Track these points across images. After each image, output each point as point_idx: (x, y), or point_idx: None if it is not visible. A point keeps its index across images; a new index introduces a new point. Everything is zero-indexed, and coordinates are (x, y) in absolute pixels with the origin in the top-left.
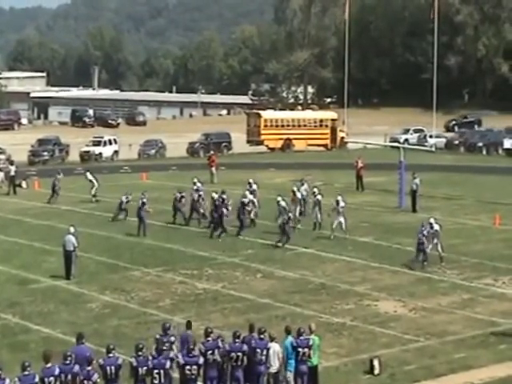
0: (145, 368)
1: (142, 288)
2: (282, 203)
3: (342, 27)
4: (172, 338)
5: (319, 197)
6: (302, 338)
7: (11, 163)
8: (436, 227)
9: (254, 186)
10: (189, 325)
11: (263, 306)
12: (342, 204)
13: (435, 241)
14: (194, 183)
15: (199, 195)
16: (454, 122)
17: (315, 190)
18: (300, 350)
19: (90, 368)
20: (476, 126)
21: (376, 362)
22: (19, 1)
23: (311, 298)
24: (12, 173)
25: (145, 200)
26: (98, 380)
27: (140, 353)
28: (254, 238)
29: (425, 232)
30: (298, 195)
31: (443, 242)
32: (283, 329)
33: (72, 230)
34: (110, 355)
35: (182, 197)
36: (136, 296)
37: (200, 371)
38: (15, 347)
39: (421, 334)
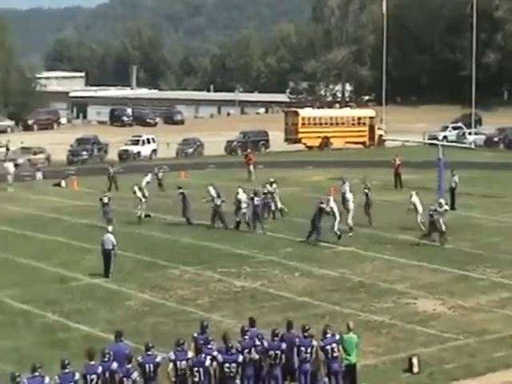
0: (183, 362)
1: (180, 286)
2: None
3: (379, 25)
4: (209, 336)
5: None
6: (328, 336)
7: (111, 165)
8: (446, 207)
9: (272, 187)
10: (252, 321)
11: (302, 305)
12: (414, 199)
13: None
14: (271, 183)
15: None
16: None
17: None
18: (328, 347)
19: (129, 366)
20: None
21: (415, 361)
22: (58, 1)
23: (350, 296)
24: (111, 173)
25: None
26: (138, 378)
27: (179, 348)
28: (293, 236)
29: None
30: (349, 196)
31: (482, 239)
32: (322, 327)
33: (110, 228)
34: (149, 353)
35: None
36: (174, 294)
37: (239, 369)
38: (55, 345)
39: (460, 333)
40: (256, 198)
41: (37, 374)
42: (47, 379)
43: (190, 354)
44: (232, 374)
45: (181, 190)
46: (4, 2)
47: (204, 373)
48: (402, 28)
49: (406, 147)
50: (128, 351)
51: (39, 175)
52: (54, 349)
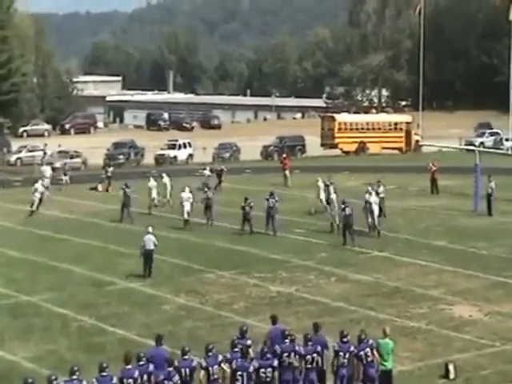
0: (215, 367)
1: (216, 290)
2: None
3: (416, 30)
4: (249, 342)
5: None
6: (362, 344)
7: (108, 165)
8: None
9: (331, 189)
10: (274, 319)
11: (337, 310)
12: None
13: None
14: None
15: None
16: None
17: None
18: (361, 353)
19: (170, 369)
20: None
21: (451, 367)
22: (95, 5)
23: (385, 301)
24: (109, 174)
25: None
26: (179, 382)
27: (210, 353)
28: (328, 241)
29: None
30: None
31: None
32: (357, 333)
33: (150, 229)
34: (185, 357)
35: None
36: (210, 298)
37: (275, 374)
38: (91, 348)
39: (496, 339)
40: (271, 200)
41: (74, 377)
42: (84, 383)
43: (221, 358)
44: (268, 379)
45: (123, 187)
46: (41, 7)
47: (247, 378)
48: (439, 33)
49: (442, 153)
50: (168, 355)
51: (66, 179)
52: (90, 352)
